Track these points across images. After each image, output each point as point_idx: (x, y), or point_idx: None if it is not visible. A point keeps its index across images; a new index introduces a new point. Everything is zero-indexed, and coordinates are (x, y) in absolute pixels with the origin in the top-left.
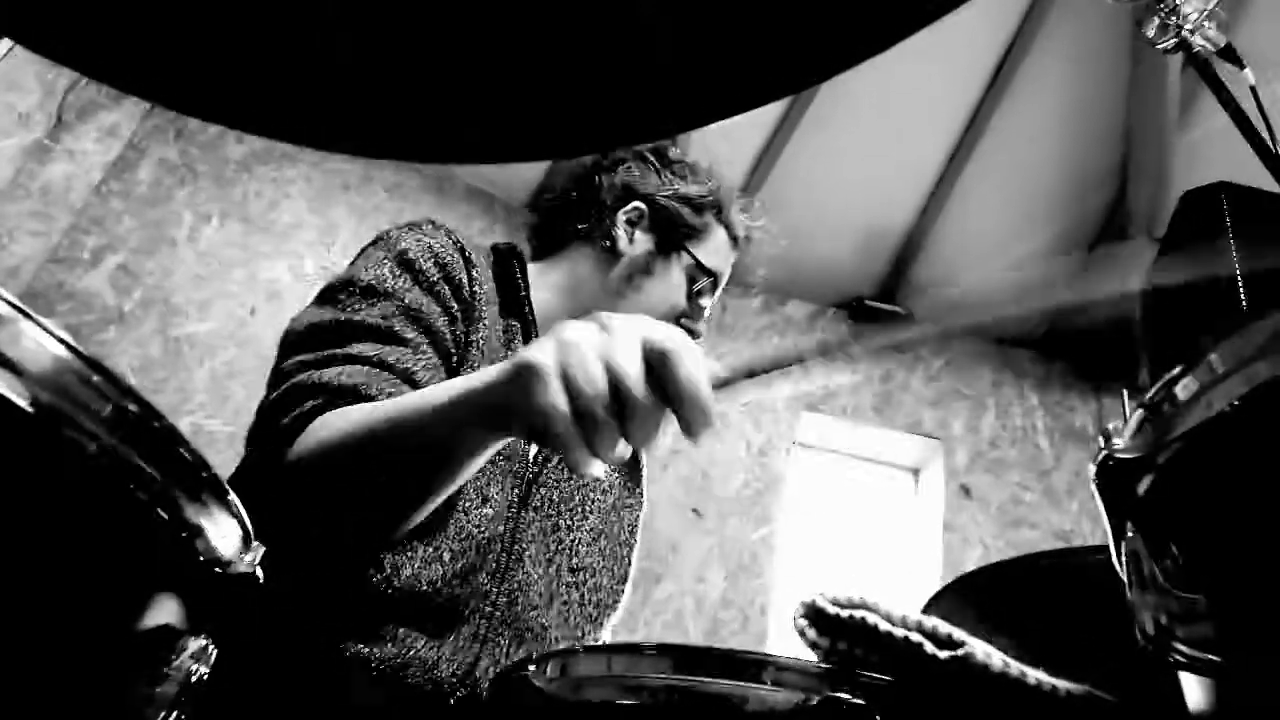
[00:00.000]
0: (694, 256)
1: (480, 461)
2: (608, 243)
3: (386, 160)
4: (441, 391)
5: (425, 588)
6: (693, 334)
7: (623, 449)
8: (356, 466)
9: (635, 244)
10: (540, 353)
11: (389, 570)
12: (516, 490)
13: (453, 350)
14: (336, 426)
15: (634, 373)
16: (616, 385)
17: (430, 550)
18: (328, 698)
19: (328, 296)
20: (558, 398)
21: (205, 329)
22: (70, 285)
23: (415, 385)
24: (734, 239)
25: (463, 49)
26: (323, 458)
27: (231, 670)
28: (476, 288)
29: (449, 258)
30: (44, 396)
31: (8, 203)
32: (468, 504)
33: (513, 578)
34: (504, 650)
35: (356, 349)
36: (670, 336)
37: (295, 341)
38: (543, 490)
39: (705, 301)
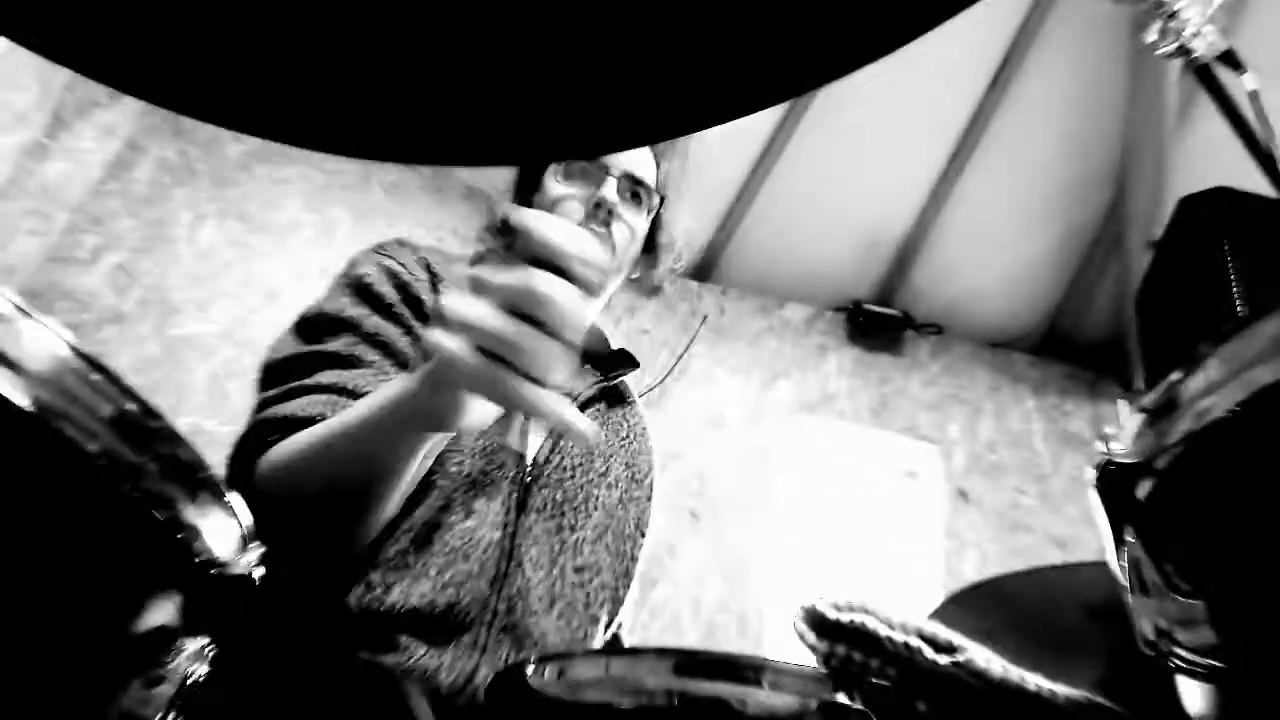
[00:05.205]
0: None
1: (417, 458)
2: None
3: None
4: (374, 400)
5: (417, 603)
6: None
7: (565, 359)
8: (304, 483)
9: None
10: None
11: (379, 590)
12: (514, 495)
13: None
14: (284, 450)
15: (517, 273)
16: (507, 294)
17: (419, 566)
18: (330, 702)
19: (298, 328)
20: (450, 340)
21: (204, 328)
22: (68, 284)
23: None
24: None
25: (461, 50)
26: (275, 481)
27: (231, 670)
28: None
29: (408, 276)
30: (44, 395)
31: (6, 201)
32: (453, 518)
33: (512, 584)
34: (504, 658)
35: (319, 379)
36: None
37: (265, 377)
38: (544, 491)
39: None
